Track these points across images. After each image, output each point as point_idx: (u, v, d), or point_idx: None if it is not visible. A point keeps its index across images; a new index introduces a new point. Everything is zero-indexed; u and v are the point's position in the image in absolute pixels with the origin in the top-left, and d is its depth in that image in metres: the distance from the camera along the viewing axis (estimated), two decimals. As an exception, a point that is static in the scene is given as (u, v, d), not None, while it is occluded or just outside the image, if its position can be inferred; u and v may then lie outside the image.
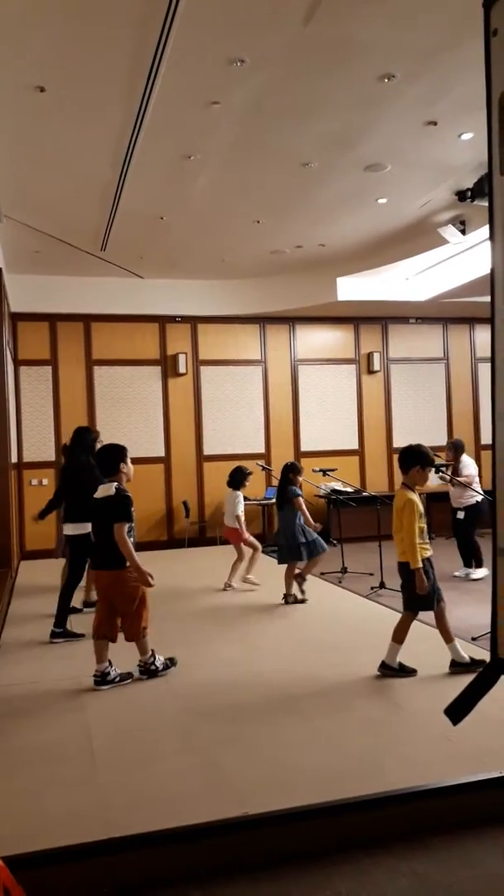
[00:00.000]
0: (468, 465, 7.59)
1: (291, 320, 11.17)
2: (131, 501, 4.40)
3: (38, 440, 10.18)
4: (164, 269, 9.87)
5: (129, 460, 4.53)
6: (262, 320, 11.08)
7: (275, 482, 10.01)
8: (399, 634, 4.40)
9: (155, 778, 3.11)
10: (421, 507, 4.37)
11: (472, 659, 4.39)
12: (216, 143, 5.94)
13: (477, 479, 7.48)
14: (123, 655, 4.50)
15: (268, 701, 4.04)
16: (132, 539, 4.36)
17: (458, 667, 4.37)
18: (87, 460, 5.77)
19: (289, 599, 6.41)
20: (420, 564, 4.25)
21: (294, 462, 6.74)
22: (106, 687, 4.32)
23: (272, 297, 10.62)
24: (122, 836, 2.60)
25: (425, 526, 4.41)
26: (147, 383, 10.68)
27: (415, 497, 4.35)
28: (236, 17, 4.22)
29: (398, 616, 5.95)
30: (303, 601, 6.42)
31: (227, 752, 3.35)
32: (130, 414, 10.55)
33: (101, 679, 4.34)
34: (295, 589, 6.45)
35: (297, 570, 6.46)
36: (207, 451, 10.87)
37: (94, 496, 4.48)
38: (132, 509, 4.41)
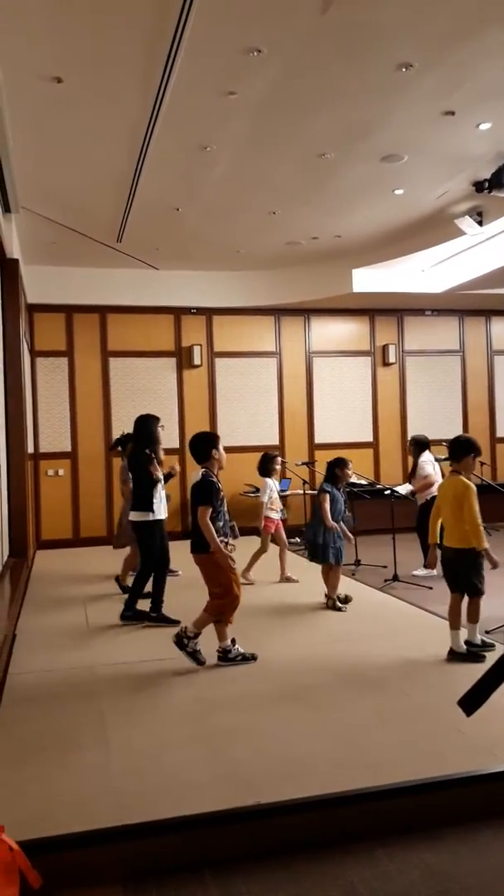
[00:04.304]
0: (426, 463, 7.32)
1: (306, 312, 11.14)
2: (216, 487, 4.51)
3: (54, 431, 10.23)
4: (180, 260, 9.87)
5: (221, 447, 4.70)
6: (277, 312, 11.05)
7: (288, 474, 10.07)
8: (456, 620, 4.55)
9: (168, 766, 3.14)
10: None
11: (468, 651, 4.53)
12: (232, 134, 5.92)
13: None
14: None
15: (279, 691, 4.06)
16: (220, 523, 4.49)
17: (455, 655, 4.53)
18: (148, 454, 5.84)
19: (328, 603, 6.06)
20: (487, 545, 4.44)
21: (341, 458, 6.24)
22: (226, 664, 4.50)
23: (287, 289, 10.59)
24: (135, 823, 2.62)
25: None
26: (162, 375, 10.71)
27: (471, 483, 4.56)
28: (253, 7, 4.19)
29: (411, 608, 6.00)
30: (341, 608, 5.99)
31: (239, 741, 3.38)
32: (145, 405, 10.54)
33: (223, 655, 4.55)
34: (339, 591, 6.09)
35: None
36: (222, 442, 10.84)
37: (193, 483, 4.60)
38: (221, 495, 4.55)
